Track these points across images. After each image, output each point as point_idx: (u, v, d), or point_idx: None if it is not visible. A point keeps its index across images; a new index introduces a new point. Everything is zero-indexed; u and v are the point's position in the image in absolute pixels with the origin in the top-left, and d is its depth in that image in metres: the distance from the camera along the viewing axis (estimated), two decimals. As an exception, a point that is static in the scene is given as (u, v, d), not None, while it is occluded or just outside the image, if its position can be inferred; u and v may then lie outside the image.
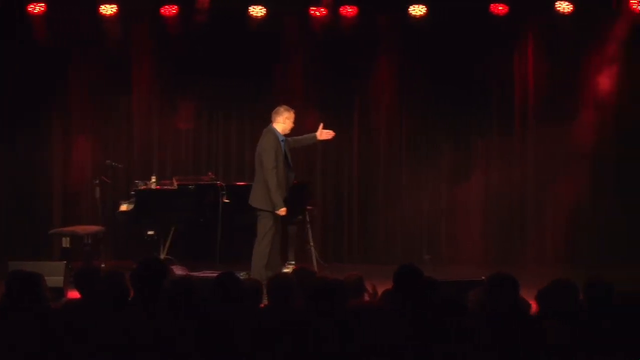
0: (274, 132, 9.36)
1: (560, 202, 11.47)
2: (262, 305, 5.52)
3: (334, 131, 9.78)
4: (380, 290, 5.97)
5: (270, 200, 9.16)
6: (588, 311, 5.12)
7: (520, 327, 4.91)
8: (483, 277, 5.57)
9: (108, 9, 11.24)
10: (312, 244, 10.77)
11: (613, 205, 11.48)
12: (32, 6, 11.17)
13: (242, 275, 9.32)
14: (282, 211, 9.16)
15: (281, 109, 9.42)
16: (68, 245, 10.20)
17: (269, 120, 11.38)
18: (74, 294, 6.73)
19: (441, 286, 5.63)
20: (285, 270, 9.68)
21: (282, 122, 9.39)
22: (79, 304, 5.59)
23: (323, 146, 11.94)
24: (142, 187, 10.44)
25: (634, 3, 10.93)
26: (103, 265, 10.16)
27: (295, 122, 11.15)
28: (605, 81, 11.35)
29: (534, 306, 5.23)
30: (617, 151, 11.45)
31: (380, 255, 11.68)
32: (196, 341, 4.86)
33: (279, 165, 9.20)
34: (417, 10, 11.27)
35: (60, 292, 8.37)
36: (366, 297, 6.06)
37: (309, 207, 10.78)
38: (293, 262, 10.27)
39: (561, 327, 4.86)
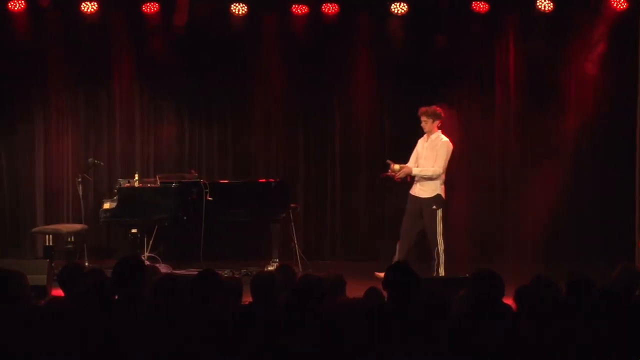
0: None
1: (539, 200, 11.51)
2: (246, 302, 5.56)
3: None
4: (363, 288, 6.00)
5: None
6: (570, 308, 5.16)
7: (502, 326, 4.95)
8: (467, 275, 5.60)
9: (89, 7, 11.21)
10: (295, 241, 10.81)
11: (591, 203, 11.56)
12: (13, 3, 11.13)
13: (225, 273, 9.38)
14: None
15: None
16: (51, 244, 10.18)
17: (251, 118, 11.49)
18: (57, 293, 6.72)
19: (426, 283, 5.66)
20: (269, 267, 9.74)
21: None
22: (62, 301, 5.59)
23: (305, 144, 11.99)
24: (125, 185, 10.43)
25: (616, 2, 10.98)
26: (86, 264, 10.16)
27: (276, 121, 11.28)
28: (584, 79, 11.43)
29: (512, 305, 5.28)
30: (595, 149, 11.52)
31: (363, 253, 11.71)
32: (177, 339, 4.88)
33: None
34: (399, 8, 11.29)
35: (43, 290, 8.33)
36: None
37: (292, 205, 10.81)
38: (277, 260, 10.29)
39: (541, 325, 4.90)
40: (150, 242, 10.70)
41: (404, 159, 11.83)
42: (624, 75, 11.02)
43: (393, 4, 11.28)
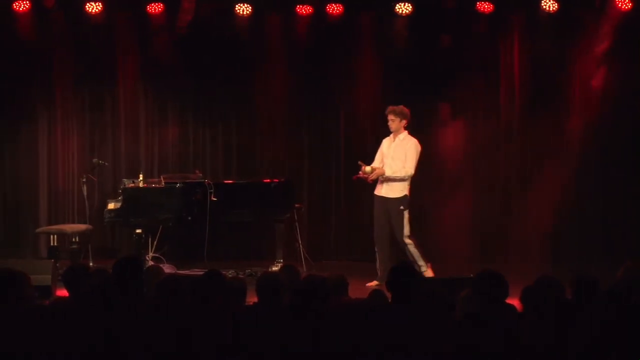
0: None
1: (542, 200, 11.49)
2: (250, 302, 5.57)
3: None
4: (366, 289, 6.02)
5: None
6: (575, 308, 5.16)
7: (506, 326, 4.95)
8: (471, 275, 5.60)
9: (94, 7, 11.21)
10: (300, 242, 10.82)
11: (594, 203, 11.55)
12: (17, 4, 11.13)
13: (230, 273, 9.38)
14: None
15: None
16: (55, 244, 10.19)
17: (256, 119, 11.47)
18: (62, 293, 6.73)
19: (428, 283, 5.66)
20: (273, 268, 9.74)
21: None
22: (67, 302, 5.60)
23: (309, 144, 11.99)
24: (130, 185, 10.44)
25: (621, 2, 10.97)
26: (91, 264, 10.17)
27: (280, 121, 11.20)
28: (589, 79, 11.41)
29: (517, 305, 5.28)
30: (599, 149, 11.51)
31: (367, 254, 11.68)
32: (180, 340, 4.89)
33: None
34: (404, 8, 11.27)
35: (47, 290, 8.33)
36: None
37: (296, 206, 10.82)
38: (281, 260, 10.30)
39: (546, 325, 4.90)
40: (155, 242, 10.72)
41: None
42: (628, 75, 11.00)
43: (397, 4, 11.26)
